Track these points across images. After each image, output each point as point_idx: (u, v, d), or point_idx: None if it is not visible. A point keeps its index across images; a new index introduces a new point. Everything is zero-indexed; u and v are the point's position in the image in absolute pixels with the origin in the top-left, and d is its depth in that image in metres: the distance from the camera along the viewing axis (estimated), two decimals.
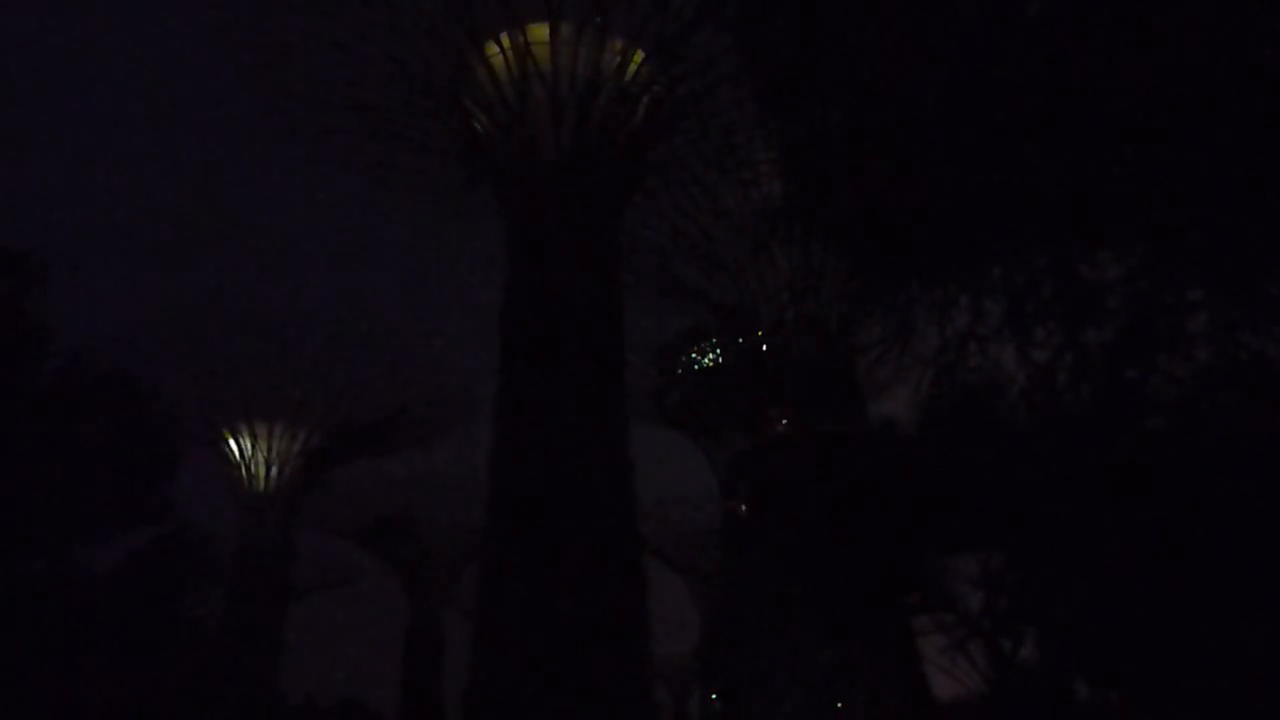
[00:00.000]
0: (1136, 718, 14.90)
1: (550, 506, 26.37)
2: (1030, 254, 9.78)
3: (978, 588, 19.31)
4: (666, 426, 61.18)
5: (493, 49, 31.42)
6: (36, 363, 29.12)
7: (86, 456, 30.04)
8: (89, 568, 34.19)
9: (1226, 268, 9.60)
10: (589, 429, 27.80)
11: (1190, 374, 10.75)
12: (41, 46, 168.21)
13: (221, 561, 54.60)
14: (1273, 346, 9.88)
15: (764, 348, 41.67)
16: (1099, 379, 10.69)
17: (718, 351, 56.10)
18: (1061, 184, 9.28)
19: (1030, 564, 16.49)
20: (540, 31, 31.01)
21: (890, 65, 9.07)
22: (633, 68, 31.84)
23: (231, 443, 54.39)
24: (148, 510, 35.39)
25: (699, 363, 57.14)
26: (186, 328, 51.32)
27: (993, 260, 9.86)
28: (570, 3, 30.59)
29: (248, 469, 54.27)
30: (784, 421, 39.75)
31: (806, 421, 37.20)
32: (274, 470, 54.37)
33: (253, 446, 54.26)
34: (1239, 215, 9.20)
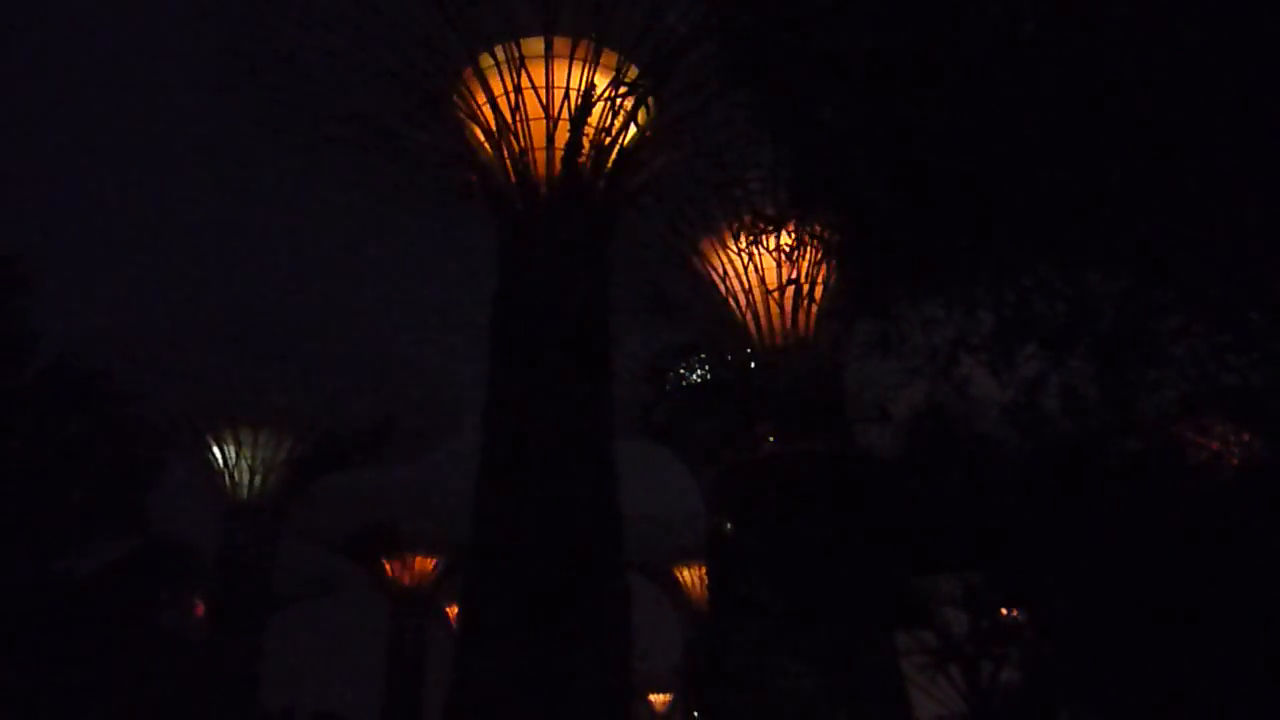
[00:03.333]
0: None
1: (535, 520, 26.27)
2: (1016, 273, 9.82)
3: (960, 608, 19.32)
4: (653, 442, 61.08)
5: (487, 61, 31.50)
6: (20, 367, 28.85)
7: (67, 462, 29.74)
8: (69, 576, 33.79)
9: (1212, 292, 9.66)
10: (575, 442, 27.74)
11: (1174, 397, 10.80)
12: (30, 50, 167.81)
13: (203, 570, 54.11)
14: (1255, 372, 9.93)
15: (752, 365, 41.68)
16: (1083, 400, 10.71)
17: (706, 368, 56.05)
18: (1050, 205, 9.32)
19: (1011, 584, 16.51)
20: (535, 45, 31.11)
21: (884, 82, 9.11)
22: (626, 83, 31.94)
23: (215, 450, 54.02)
24: (129, 518, 35.03)
25: (687, 378, 57.07)
26: (171, 333, 51.03)
27: (980, 278, 9.89)
28: (565, 17, 30.70)
29: (231, 477, 53.90)
30: (771, 439, 39.71)
31: (794, 439, 37.20)
32: (258, 479, 54.02)
33: (236, 454, 53.91)
34: (1225, 240, 9.26)
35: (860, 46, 9.29)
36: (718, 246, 40.92)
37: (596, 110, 31.16)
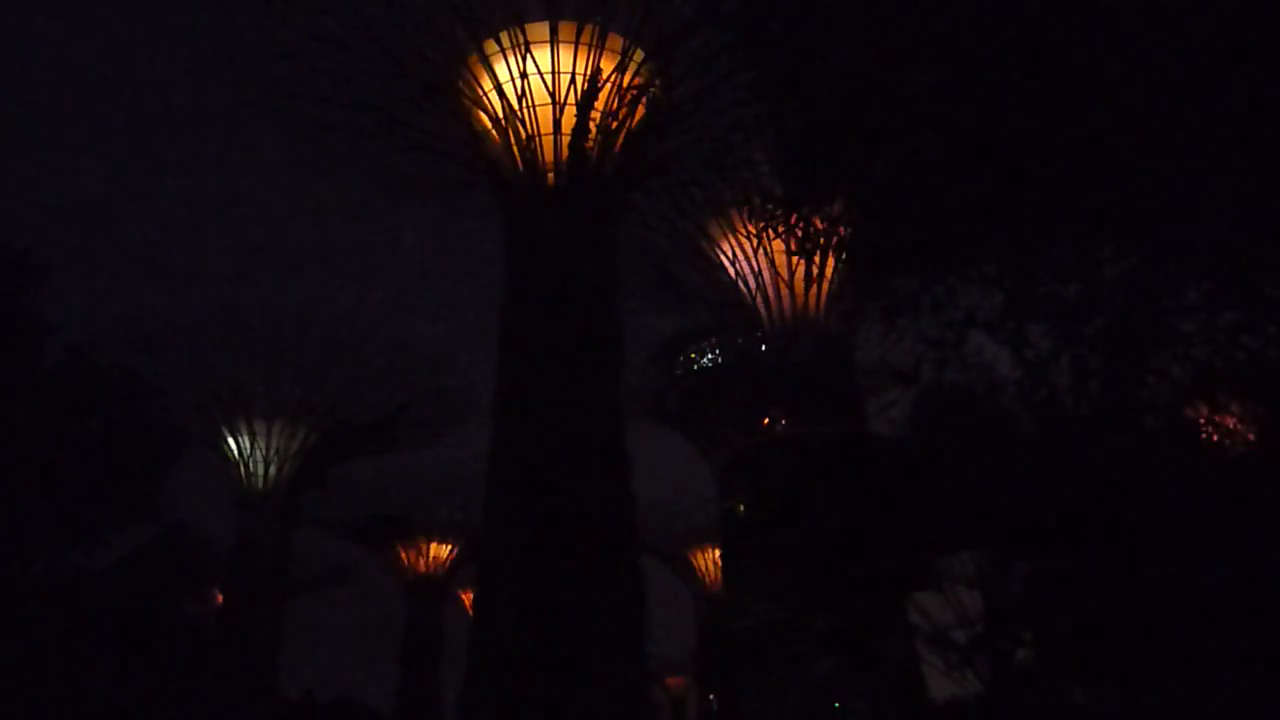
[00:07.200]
0: None
1: (548, 506, 26.32)
2: (1028, 251, 9.76)
3: (975, 589, 19.30)
4: (665, 427, 61.09)
5: (492, 47, 31.38)
6: (35, 361, 29.04)
7: (84, 455, 29.96)
8: (87, 567, 34.09)
9: (1226, 269, 9.57)
10: (587, 428, 27.75)
11: (1187, 374, 10.72)
12: (42, 44, 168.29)
13: (219, 560, 54.58)
14: (1272, 348, 9.84)
15: (763, 348, 41.62)
16: (1095, 378, 10.66)
17: (717, 352, 56.03)
18: (1060, 182, 9.24)
19: (1026, 563, 16.48)
20: (540, 30, 30.98)
21: (888, 61, 9.04)
22: (632, 67, 31.80)
23: (230, 441, 54.33)
24: (145, 508, 35.30)
25: (698, 363, 57.06)
26: (186, 325, 51.27)
27: (990, 256, 9.83)
28: (570, 1, 30.55)
29: (246, 467, 54.20)
30: (783, 422, 39.68)
31: (805, 422, 37.15)
32: (272, 468, 54.30)
33: (251, 445, 54.20)
34: (1239, 216, 9.17)
35: (860, 26, 9.22)
36: (726, 229, 40.79)
37: (603, 95, 31.03)
